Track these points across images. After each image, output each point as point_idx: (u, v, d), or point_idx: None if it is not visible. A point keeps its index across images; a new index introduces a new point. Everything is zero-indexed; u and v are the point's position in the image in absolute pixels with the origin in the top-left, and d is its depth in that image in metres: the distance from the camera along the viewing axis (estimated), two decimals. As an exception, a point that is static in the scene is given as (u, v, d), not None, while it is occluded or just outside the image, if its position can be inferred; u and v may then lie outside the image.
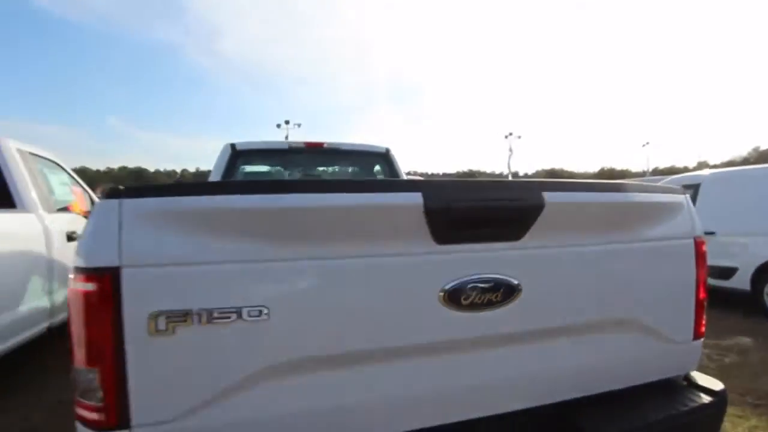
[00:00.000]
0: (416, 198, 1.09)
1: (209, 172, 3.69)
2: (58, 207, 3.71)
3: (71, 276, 1.00)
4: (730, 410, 2.70)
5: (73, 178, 4.34)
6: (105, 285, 0.94)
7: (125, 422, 0.96)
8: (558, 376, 1.29)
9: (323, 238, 1.06)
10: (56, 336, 3.78)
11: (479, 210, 1.15)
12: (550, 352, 1.27)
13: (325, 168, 4.33)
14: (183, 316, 0.97)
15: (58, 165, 4.12)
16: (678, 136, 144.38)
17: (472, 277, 1.15)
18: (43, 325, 3.28)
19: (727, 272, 5.18)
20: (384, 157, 3.97)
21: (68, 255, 3.59)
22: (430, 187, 1.12)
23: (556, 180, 1.28)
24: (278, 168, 4.12)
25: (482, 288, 1.15)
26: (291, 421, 1.06)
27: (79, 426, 1.02)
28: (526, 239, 1.20)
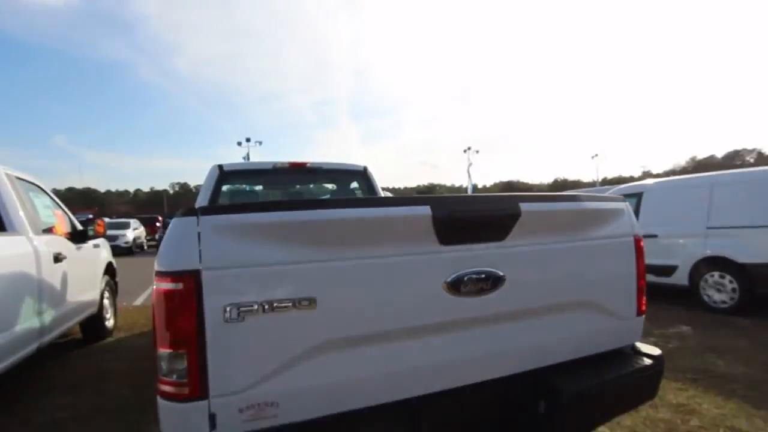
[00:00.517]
0: (426, 210, 1.40)
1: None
2: (43, 229, 3.77)
3: (156, 278, 1.24)
4: (674, 384, 3.15)
5: (54, 201, 4.39)
6: (189, 284, 1.19)
7: (205, 393, 1.20)
8: (536, 346, 1.62)
9: (356, 243, 1.35)
10: (46, 356, 3.80)
11: (473, 218, 1.48)
12: (529, 328, 1.60)
13: (307, 186, 4.56)
14: (250, 307, 1.22)
15: (41, 188, 4.17)
16: (624, 148, 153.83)
17: (468, 270, 1.46)
18: (33, 346, 3.31)
19: (668, 270, 5.77)
20: (362, 175, 4.25)
21: (56, 276, 3.65)
22: (436, 201, 1.43)
23: (530, 194, 1.62)
24: (262, 187, 4.33)
25: (476, 278, 1.47)
26: (334, 388, 1.32)
27: (161, 401, 1.24)
28: (508, 240, 1.53)
